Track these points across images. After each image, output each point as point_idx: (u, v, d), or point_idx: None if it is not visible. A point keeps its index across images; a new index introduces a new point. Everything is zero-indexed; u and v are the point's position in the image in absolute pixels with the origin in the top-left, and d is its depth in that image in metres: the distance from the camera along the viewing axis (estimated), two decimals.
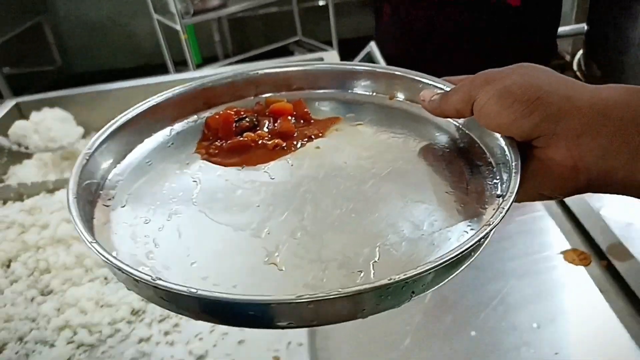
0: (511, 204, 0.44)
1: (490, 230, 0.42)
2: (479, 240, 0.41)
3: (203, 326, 0.87)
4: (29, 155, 1.49)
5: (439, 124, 0.63)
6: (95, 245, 0.42)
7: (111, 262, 0.40)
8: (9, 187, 1.27)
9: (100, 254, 0.41)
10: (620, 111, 0.43)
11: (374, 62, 1.42)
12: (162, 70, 3.49)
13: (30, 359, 0.83)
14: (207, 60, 4.17)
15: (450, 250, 0.40)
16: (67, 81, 3.53)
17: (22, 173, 1.41)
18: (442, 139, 0.61)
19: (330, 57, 1.70)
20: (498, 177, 0.53)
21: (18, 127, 1.43)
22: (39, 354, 0.83)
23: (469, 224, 0.49)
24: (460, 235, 0.47)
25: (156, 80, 1.65)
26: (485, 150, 0.57)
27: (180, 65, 3.70)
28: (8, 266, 1.04)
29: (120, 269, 0.40)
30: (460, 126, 0.61)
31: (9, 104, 1.54)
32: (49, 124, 1.44)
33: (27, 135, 1.42)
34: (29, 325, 0.88)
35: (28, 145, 1.43)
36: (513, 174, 0.47)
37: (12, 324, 0.88)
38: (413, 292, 0.40)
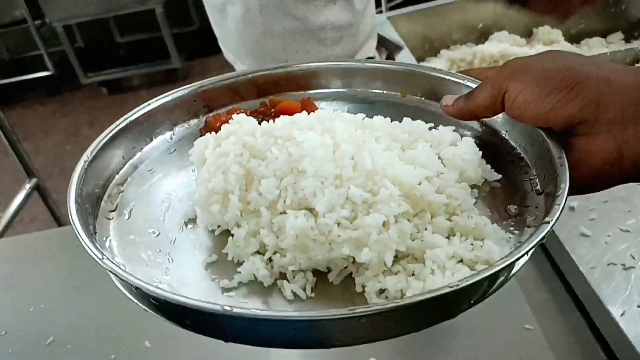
0: (566, 199, 0.41)
1: (550, 228, 0.38)
2: (541, 239, 0.37)
3: None
4: None
5: (458, 121, 0.59)
6: (107, 262, 0.36)
7: (134, 283, 0.35)
8: None
9: (119, 274, 0.35)
10: None
11: None
12: None
13: None
14: None
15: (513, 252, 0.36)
16: None
17: None
18: (465, 134, 0.57)
19: None
20: (535, 173, 0.50)
21: None
22: None
23: (512, 226, 0.45)
24: (499, 239, 0.43)
25: None
26: (515, 145, 0.54)
27: None
28: None
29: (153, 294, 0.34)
30: (484, 122, 0.58)
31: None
32: None
33: None
34: None
35: None
36: (559, 167, 0.44)
37: None
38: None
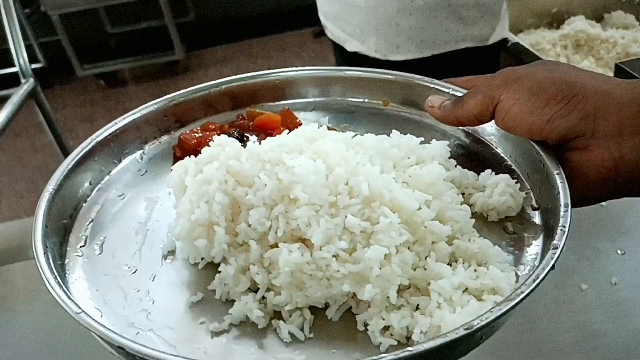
0: (571, 217, 0.39)
1: (559, 254, 0.36)
2: (552, 267, 0.35)
3: None
4: None
5: (445, 130, 0.57)
6: (83, 316, 0.32)
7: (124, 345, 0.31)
8: None
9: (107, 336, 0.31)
10: None
11: None
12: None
13: None
14: None
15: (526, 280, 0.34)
16: None
17: None
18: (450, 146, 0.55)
19: None
20: (528, 187, 0.49)
21: None
22: None
23: (511, 245, 0.44)
24: (502, 264, 0.41)
25: None
26: (505, 157, 0.52)
27: None
28: None
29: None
30: (471, 131, 0.56)
31: None
32: None
33: None
34: None
35: None
36: (559, 184, 0.42)
37: None
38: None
